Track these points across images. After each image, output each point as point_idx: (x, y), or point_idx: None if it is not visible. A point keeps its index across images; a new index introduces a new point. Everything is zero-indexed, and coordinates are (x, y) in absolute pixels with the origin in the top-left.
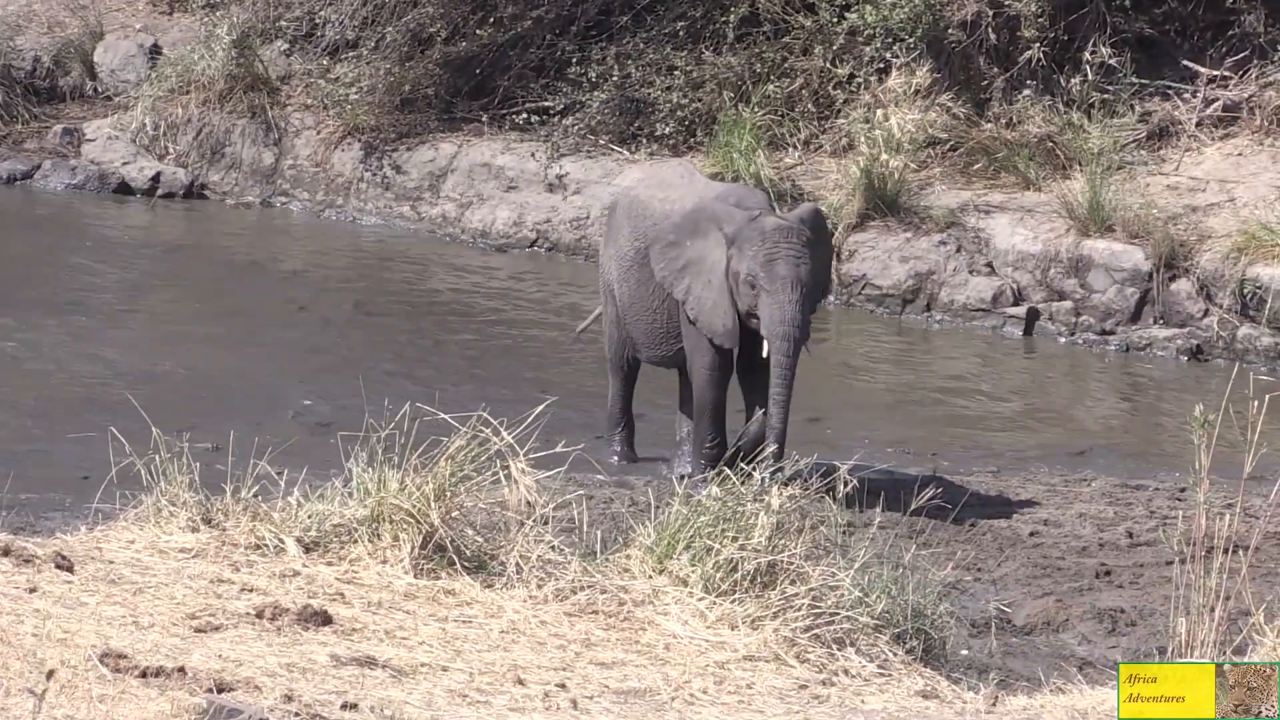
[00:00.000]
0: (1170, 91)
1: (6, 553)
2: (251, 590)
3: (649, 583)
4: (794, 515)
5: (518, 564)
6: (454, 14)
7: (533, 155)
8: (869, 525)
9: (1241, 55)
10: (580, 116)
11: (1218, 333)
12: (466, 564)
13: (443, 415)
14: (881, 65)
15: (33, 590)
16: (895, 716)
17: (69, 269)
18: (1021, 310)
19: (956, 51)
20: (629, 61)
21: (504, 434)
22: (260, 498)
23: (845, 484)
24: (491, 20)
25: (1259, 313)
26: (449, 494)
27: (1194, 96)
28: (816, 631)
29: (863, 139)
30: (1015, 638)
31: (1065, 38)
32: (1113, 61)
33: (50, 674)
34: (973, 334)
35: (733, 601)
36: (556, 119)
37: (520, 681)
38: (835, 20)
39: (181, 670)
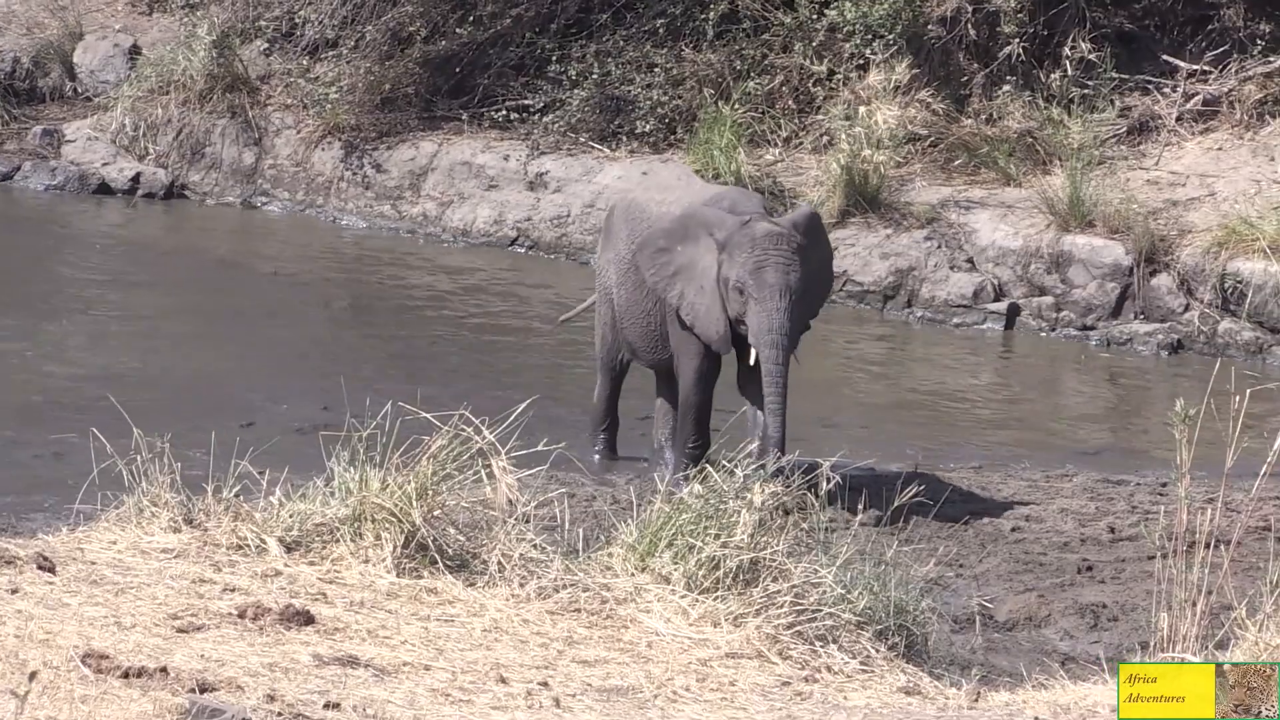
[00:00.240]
0: (1150, 86)
1: None
2: (233, 590)
3: (631, 580)
4: (776, 512)
5: (500, 562)
6: (433, 12)
7: (513, 154)
8: (850, 522)
9: (1221, 50)
10: (560, 114)
11: (1198, 327)
12: (449, 563)
13: (424, 414)
14: (861, 62)
15: (14, 591)
16: (878, 713)
17: (49, 270)
18: (1002, 306)
19: (936, 47)
20: (609, 59)
21: (485, 433)
22: (242, 498)
23: (828, 480)
24: (471, 18)
25: (1239, 307)
26: (431, 493)
27: (1174, 91)
28: (799, 628)
29: (843, 136)
30: (997, 633)
31: (1045, 33)
32: (1092, 56)
33: (33, 675)
34: (954, 330)
35: (715, 599)
36: (536, 117)
37: (503, 680)
38: (815, 17)
39: (164, 670)
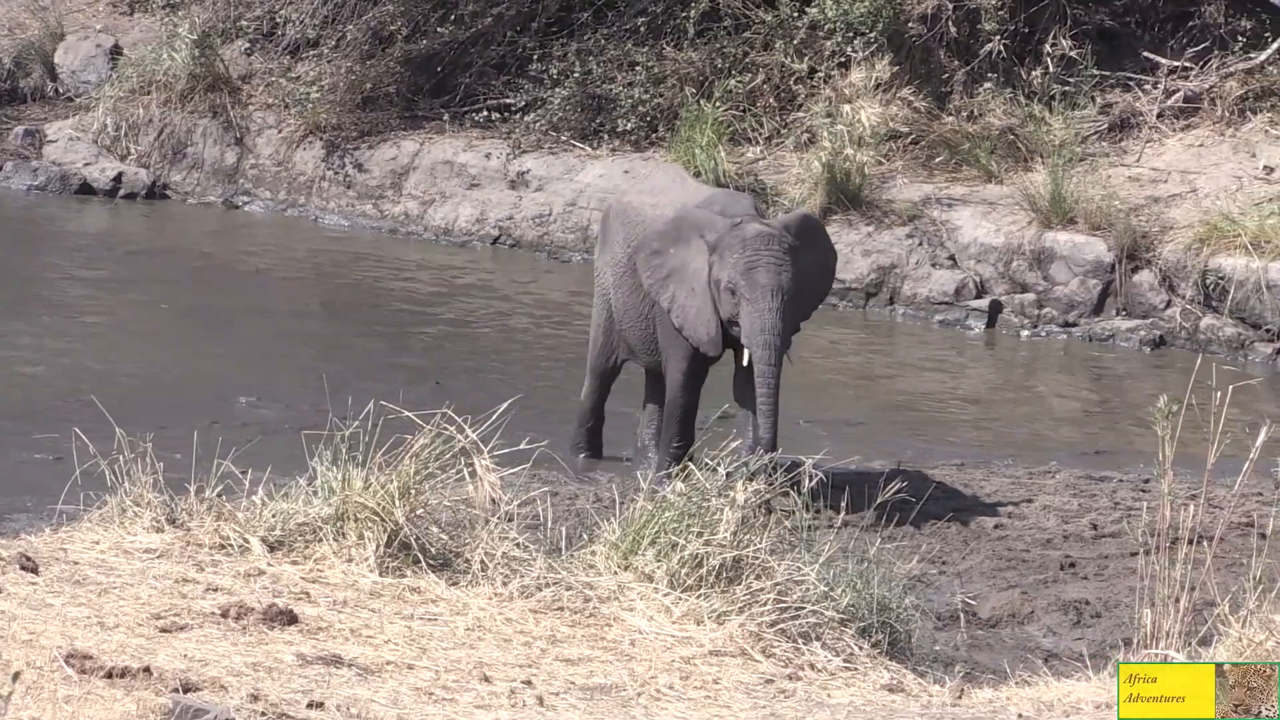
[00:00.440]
0: (1131, 83)
1: None
2: (216, 590)
3: (614, 579)
4: (759, 510)
5: (483, 561)
6: (415, 12)
7: (494, 152)
8: (833, 520)
9: (1202, 46)
10: (542, 113)
11: (1180, 323)
12: (431, 562)
13: (407, 413)
14: (843, 59)
15: None
16: (861, 710)
17: (31, 270)
18: (984, 303)
19: (917, 45)
20: (590, 58)
21: (468, 431)
22: (224, 497)
23: (810, 478)
24: (452, 18)
25: (1221, 303)
26: (414, 492)
27: (1155, 88)
28: (782, 626)
29: (824, 133)
30: (980, 630)
31: (1026, 30)
32: (1073, 53)
33: (16, 675)
34: (936, 328)
35: (698, 597)
36: (518, 116)
37: (486, 679)
38: (796, 15)
39: (147, 670)
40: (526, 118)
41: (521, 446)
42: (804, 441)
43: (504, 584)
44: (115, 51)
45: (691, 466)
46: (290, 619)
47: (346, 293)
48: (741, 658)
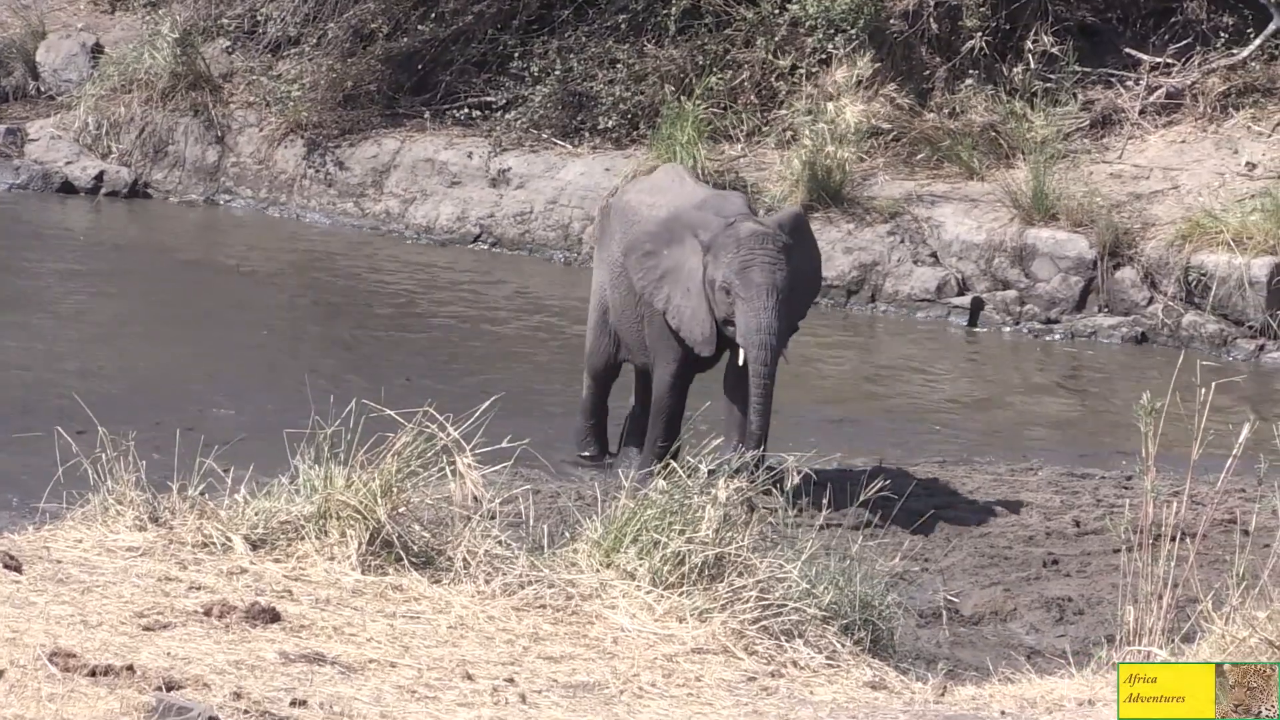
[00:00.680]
0: (1113, 79)
1: None
2: (199, 588)
3: (596, 577)
4: (741, 508)
5: (465, 559)
6: (396, 10)
7: (475, 150)
8: (816, 518)
9: (1184, 42)
10: (523, 111)
11: (1162, 320)
12: (414, 560)
13: (389, 411)
14: (824, 56)
15: None
16: (844, 707)
17: (13, 268)
18: (966, 300)
19: (898, 42)
20: (571, 55)
21: (450, 429)
22: (207, 496)
23: (796, 474)
24: (433, 15)
25: (1203, 300)
26: (396, 490)
27: (1137, 84)
28: (764, 623)
29: (806, 131)
30: (963, 628)
31: (1007, 27)
32: (1055, 50)
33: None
34: (917, 324)
35: (680, 594)
36: (499, 114)
37: (468, 676)
38: (777, 12)
39: (130, 668)
40: (507, 115)
41: (503, 444)
42: (785, 439)
43: (486, 582)
44: (97, 50)
45: (674, 464)
46: (273, 617)
47: (327, 291)
48: (724, 655)
